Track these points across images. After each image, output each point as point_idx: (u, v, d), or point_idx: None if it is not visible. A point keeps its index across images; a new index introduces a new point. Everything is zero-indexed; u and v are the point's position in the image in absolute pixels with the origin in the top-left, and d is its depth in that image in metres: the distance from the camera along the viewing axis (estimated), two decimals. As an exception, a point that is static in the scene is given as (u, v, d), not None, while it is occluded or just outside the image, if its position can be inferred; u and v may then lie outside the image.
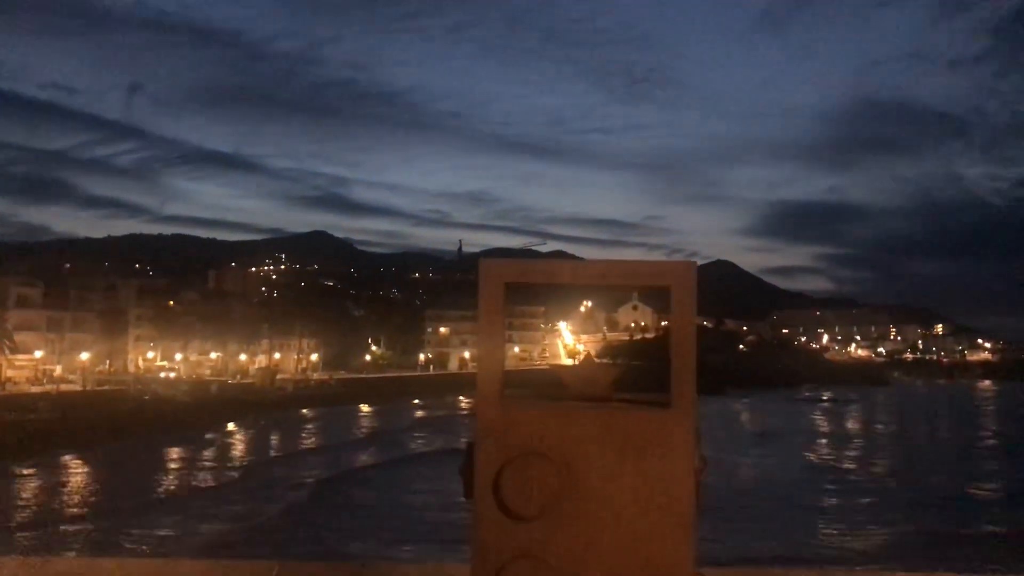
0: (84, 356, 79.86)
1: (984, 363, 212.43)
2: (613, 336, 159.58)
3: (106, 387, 72.34)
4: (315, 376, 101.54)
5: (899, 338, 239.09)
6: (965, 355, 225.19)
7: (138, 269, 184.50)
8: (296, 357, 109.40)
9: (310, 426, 66.46)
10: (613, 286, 2.14)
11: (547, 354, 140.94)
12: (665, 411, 2.01)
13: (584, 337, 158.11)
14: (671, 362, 2.04)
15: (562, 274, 2.14)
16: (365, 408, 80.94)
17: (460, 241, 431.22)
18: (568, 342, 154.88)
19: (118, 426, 54.40)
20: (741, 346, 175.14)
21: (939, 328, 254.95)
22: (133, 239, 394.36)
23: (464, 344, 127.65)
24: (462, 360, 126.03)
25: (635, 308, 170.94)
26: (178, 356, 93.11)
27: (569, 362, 2.86)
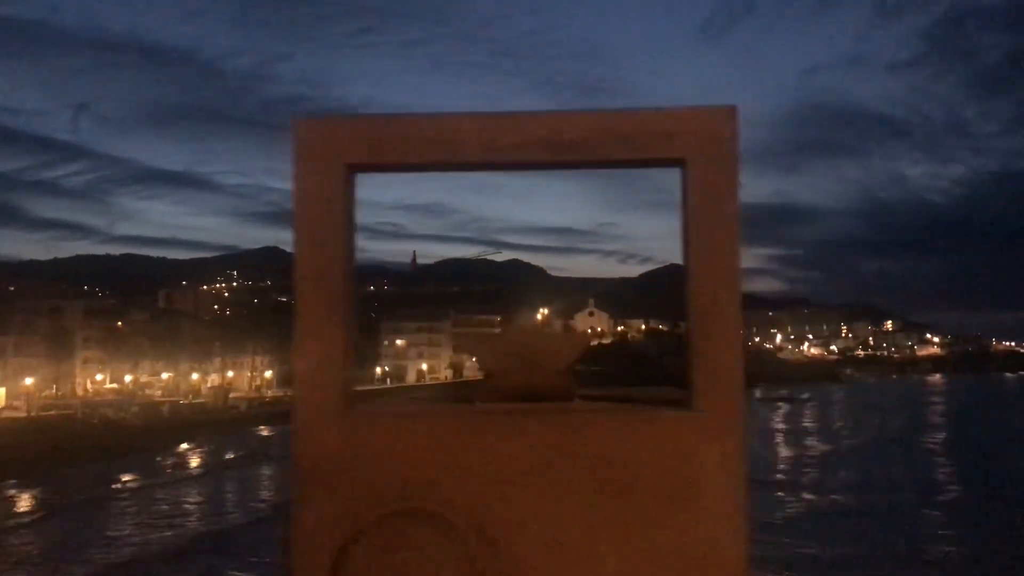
0: (29, 381, 77.80)
1: (933, 357, 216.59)
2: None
3: (53, 412, 70.50)
4: (270, 393, 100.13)
5: (850, 335, 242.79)
6: (915, 350, 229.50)
7: (87, 291, 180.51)
8: (250, 375, 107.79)
9: (273, 446, 65.14)
10: (560, 162, 1.19)
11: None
12: (687, 414, 1.13)
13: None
14: (689, 328, 1.16)
15: (465, 140, 1.17)
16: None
17: (414, 253, 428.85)
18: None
19: (65, 452, 52.91)
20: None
21: (889, 324, 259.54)
22: (81, 260, 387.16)
23: (421, 356, 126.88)
24: (420, 372, 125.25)
25: (591, 314, 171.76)
26: (127, 378, 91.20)
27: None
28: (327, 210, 1.16)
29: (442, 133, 1.16)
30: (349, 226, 1.19)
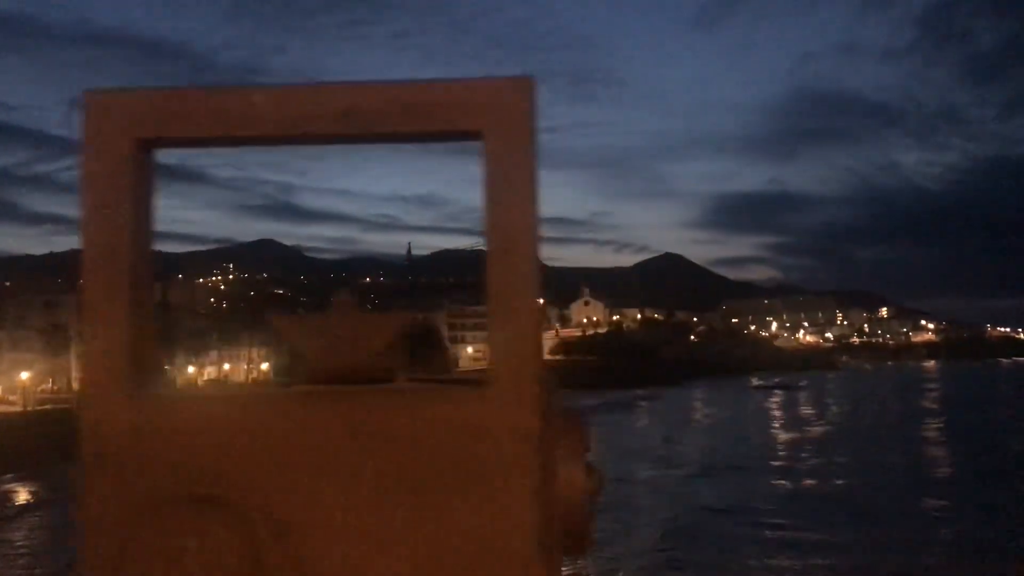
0: (24, 375, 77.86)
1: (928, 343, 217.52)
2: (566, 332, 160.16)
3: (49, 406, 70.47)
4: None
5: (845, 323, 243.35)
6: (910, 336, 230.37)
7: (82, 285, 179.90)
8: (246, 367, 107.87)
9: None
10: (357, 134, 1.01)
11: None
12: (482, 395, 1.01)
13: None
14: (488, 308, 1.00)
15: (259, 113, 1.04)
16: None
17: (409, 244, 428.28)
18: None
19: (62, 447, 52.93)
20: (692, 337, 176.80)
21: (884, 311, 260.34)
22: (76, 255, 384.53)
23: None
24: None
25: (587, 304, 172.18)
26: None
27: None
28: (116, 187, 1.01)
29: (235, 106, 1.02)
30: (143, 203, 1.04)
